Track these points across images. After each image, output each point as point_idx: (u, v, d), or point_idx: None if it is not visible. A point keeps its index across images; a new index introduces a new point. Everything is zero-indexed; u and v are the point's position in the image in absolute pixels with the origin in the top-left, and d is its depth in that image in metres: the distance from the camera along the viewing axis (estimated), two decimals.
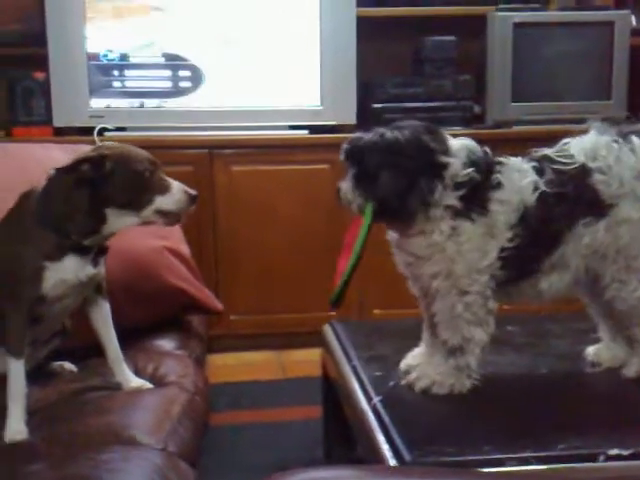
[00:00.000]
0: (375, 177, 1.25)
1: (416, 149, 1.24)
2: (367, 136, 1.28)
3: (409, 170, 1.23)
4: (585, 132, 1.33)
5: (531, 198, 1.25)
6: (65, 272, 1.34)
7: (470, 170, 1.24)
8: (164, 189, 1.35)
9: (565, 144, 1.32)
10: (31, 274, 1.32)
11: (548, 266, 1.29)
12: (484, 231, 1.24)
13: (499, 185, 1.25)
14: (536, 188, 1.26)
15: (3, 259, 1.34)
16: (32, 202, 1.36)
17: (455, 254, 1.24)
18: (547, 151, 1.31)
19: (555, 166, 1.28)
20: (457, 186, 1.24)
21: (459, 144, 1.26)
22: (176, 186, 1.36)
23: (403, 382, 1.34)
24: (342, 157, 1.31)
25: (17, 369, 1.30)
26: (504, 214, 1.24)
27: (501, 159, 1.30)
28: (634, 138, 1.30)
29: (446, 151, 1.24)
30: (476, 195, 1.24)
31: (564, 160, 1.29)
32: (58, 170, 1.32)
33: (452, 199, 1.24)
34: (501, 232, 1.25)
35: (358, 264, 1.28)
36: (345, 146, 1.30)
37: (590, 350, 1.45)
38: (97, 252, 1.39)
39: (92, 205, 1.33)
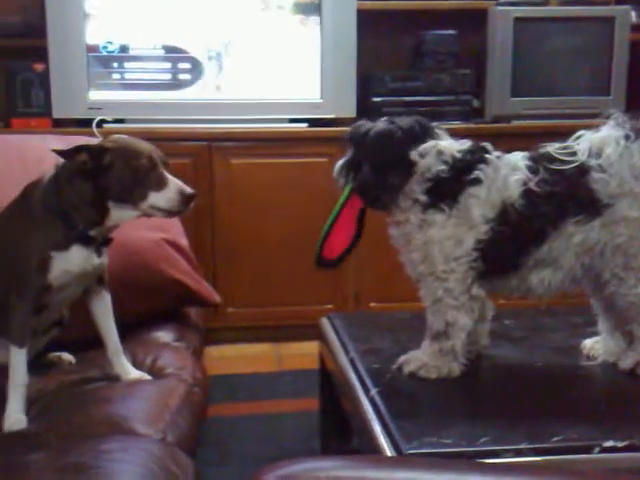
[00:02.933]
0: (359, 166, 1.35)
1: (391, 146, 1.33)
2: (367, 126, 1.38)
3: (383, 165, 1.33)
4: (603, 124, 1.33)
5: (514, 195, 1.28)
6: (71, 262, 1.35)
7: (438, 168, 1.30)
8: (160, 186, 1.34)
9: (578, 137, 1.33)
10: (38, 264, 1.32)
11: (533, 262, 1.31)
12: (457, 222, 1.29)
13: (476, 181, 1.29)
14: (523, 186, 1.28)
15: (10, 248, 1.35)
16: (39, 191, 1.36)
17: (428, 241, 1.31)
18: (550, 147, 1.33)
19: (551, 165, 1.29)
20: (425, 181, 1.31)
21: (430, 145, 1.33)
22: (172, 184, 1.35)
23: (394, 366, 1.37)
24: (345, 138, 1.43)
25: (19, 358, 1.30)
26: (480, 208, 1.28)
27: (492, 156, 1.32)
28: None
29: (419, 150, 1.32)
30: (446, 189, 1.30)
31: (563, 158, 1.30)
32: (56, 152, 1.32)
33: (419, 193, 1.31)
34: (477, 225, 1.29)
35: (328, 234, 1.41)
36: (348, 130, 1.42)
37: (586, 343, 1.46)
38: (101, 243, 1.40)
39: (95, 197, 1.34)
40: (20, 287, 1.32)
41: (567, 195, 1.28)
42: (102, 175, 1.32)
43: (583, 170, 1.29)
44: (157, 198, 1.34)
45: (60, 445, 1.11)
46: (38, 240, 1.33)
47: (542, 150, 1.33)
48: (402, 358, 1.38)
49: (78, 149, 1.32)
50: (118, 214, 1.36)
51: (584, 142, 1.31)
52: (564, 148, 1.32)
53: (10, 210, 1.41)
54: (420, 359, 1.35)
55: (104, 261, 1.42)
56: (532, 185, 1.28)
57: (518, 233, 1.29)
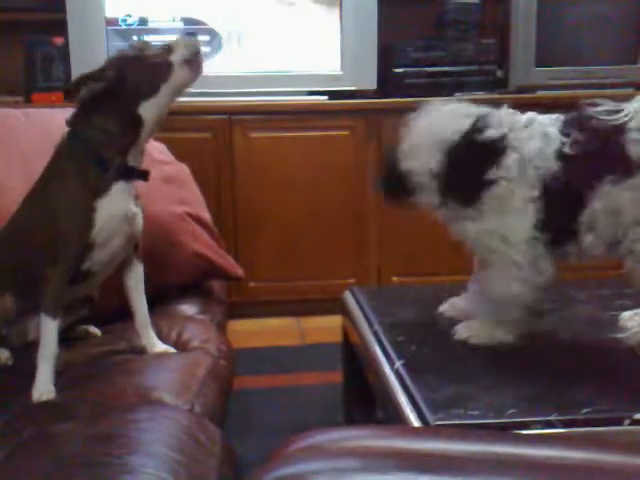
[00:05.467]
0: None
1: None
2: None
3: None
4: None
5: (551, 160, 1.26)
6: (113, 206, 1.33)
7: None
8: (170, 47, 1.35)
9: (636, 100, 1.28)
10: (82, 218, 1.30)
11: (586, 226, 1.28)
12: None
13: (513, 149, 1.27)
14: (557, 150, 1.26)
15: (49, 215, 1.32)
16: (64, 148, 1.35)
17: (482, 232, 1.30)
18: (597, 107, 1.29)
19: (589, 123, 1.26)
20: None
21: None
22: (175, 42, 1.36)
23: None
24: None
25: (51, 329, 1.30)
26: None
27: (524, 119, 1.30)
28: None
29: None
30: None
31: (604, 117, 1.26)
32: (64, 90, 1.31)
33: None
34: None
35: None
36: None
37: (625, 315, 1.44)
38: (139, 175, 1.38)
39: (122, 112, 1.31)
40: (56, 255, 1.31)
41: (601, 154, 1.25)
42: (117, 86, 1.30)
43: (621, 129, 1.24)
44: (179, 52, 1.34)
45: (89, 415, 1.12)
46: (78, 193, 1.31)
47: (578, 112, 1.30)
48: (457, 327, 1.38)
49: (79, 81, 1.29)
50: (151, 115, 1.34)
51: (635, 102, 1.27)
52: (611, 106, 1.28)
53: (44, 177, 1.39)
54: (473, 328, 1.36)
55: (140, 215, 1.41)
56: (566, 148, 1.25)
57: (562, 198, 1.27)
